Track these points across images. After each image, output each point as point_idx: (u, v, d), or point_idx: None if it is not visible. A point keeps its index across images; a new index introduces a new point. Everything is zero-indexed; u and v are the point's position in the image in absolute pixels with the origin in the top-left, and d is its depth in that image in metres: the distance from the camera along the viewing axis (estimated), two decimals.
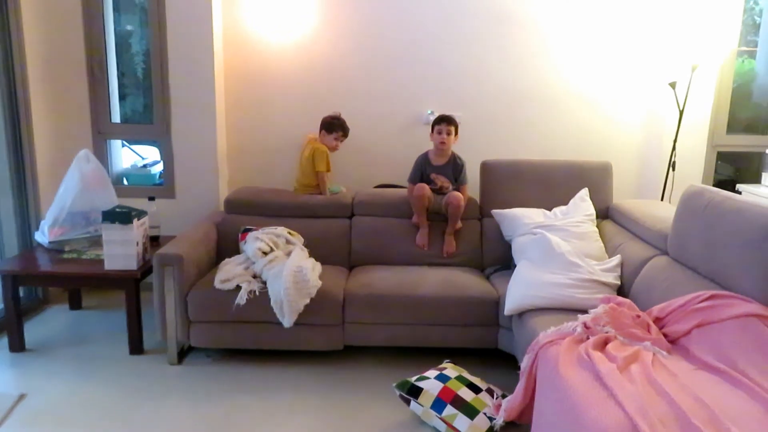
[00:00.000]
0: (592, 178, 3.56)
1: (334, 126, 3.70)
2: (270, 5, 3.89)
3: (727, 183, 4.11)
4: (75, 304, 3.76)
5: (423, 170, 3.53)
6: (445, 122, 3.43)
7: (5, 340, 3.19)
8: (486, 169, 3.63)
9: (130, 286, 3.11)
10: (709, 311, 2.22)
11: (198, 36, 3.74)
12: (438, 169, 3.51)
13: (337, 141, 3.72)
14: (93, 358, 3.12)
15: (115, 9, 4.05)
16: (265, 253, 3.13)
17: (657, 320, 2.39)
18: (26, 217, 3.67)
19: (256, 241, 3.19)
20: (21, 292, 3.22)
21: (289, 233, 3.36)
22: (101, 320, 3.60)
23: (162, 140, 3.95)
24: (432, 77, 4.02)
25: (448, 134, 3.45)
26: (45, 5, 3.69)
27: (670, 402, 1.81)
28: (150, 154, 5.35)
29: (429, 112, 4.02)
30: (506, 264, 3.43)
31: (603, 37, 3.97)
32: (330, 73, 4.01)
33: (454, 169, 3.51)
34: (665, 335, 2.33)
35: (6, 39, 3.46)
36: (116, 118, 4.05)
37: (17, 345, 3.17)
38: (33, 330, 3.41)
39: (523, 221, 3.32)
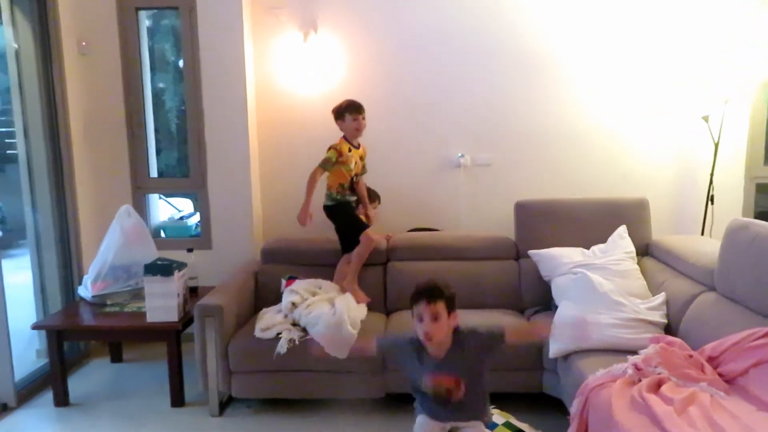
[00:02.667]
0: (629, 214, 3.52)
1: (341, 110, 3.40)
2: (298, 59, 4.00)
3: (767, 215, 4.03)
4: (116, 356, 3.79)
5: (409, 356, 2.22)
6: (425, 297, 2.10)
7: (50, 395, 3.22)
8: (520, 209, 3.62)
9: (172, 337, 3.13)
10: (766, 349, 2.15)
11: (231, 91, 3.86)
12: (439, 364, 2.15)
13: (356, 121, 3.37)
14: (135, 412, 3.12)
15: (150, 68, 4.22)
16: (295, 305, 3.14)
17: (710, 359, 2.32)
18: (69, 271, 3.76)
19: (290, 295, 3.20)
20: (65, 346, 3.26)
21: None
22: (142, 373, 3.62)
23: (198, 192, 4.04)
24: (461, 120, 4.06)
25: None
26: (87, 68, 3.86)
27: None
28: (184, 206, 5.47)
29: (459, 155, 4.05)
30: (546, 305, 3.38)
31: (632, 73, 3.98)
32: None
33: (469, 347, 2.16)
34: (720, 375, 2.26)
35: (51, 100, 3.62)
36: (153, 172, 4.16)
37: (62, 400, 3.19)
38: (77, 383, 3.44)
39: (561, 261, 3.28)
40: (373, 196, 3.89)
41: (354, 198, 3.54)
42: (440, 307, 2.08)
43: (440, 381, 2.13)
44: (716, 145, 3.65)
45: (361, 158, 3.49)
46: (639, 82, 3.99)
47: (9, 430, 2.98)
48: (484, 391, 2.31)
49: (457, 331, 2.16)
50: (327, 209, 3.49)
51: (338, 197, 3.45)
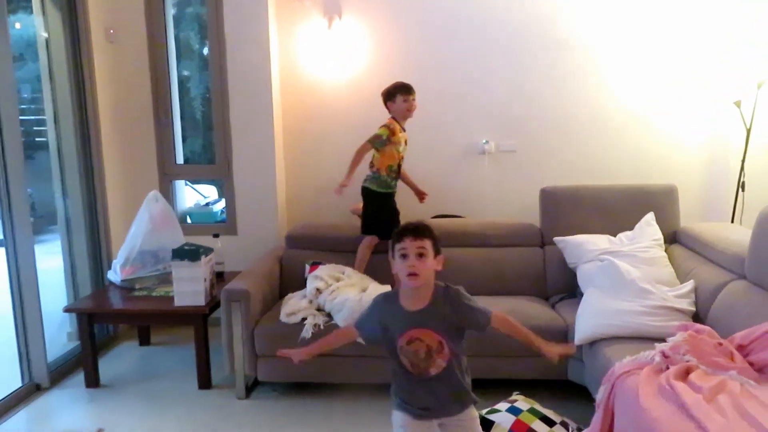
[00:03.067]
0: (657, 201, 3.46)
1: (392, 91, 3.35)
2: (323, 46, 4.00)
3: None
4: (144, 340, 3.87)
5: (382, 320, 1.99)
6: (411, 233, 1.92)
7: (81, 377, 3.30)
8: (546, 196, 3.59)
9: (199, 321, 3.18)
10: None
11: (256, 78, 3.88)
12: (416, 317, 1.92)
13: (407, 102, 3.31)
14: (164, 393, 3.19)
15: (176, 56, 4.26)
16: (320, 291, 3.16)
17: (740, 348, 2.28)
18: (99, 256, 3.84)
19: (314, 281, 3.22)
20: (95, 329, 3.33)
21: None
22: (170, 356, 3.69)
23: (224, 179, 4.08)
24: (486, 106, 4.03)
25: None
26: (115, 56, 3.91)
27: None
28: (209, 192, 5.52)
29: (484, 141, 4.03)
30: (571, 292, 3.36)
31: (661, 57, 3.91)
32: (384, 109, 4.06)
33: (453, 305, 1.96)
34: (750, 364, 2.22)
35: (80, 87, 3.68)
36: (180, 159, 4.21)
37: (93, 381, 3.27)
38: (106, 366, 3.52)
39: (587, 248, 3.25)
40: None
41: (395, 186, 3.47)
42: (427, 243, 1.90)
43: (418, 337, 1.89)
44: (748, 131, 3.57)
45: (406, 143, 3.44)
46: (668, 66, 3.91)
47: (43, 409, 3.07)
48: (467, 367, 2.08)
49: (442, 286, 1.97)
50: (365, 191, 3.43)
51: (384, 183, 3.39)
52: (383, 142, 3.31)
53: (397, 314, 1.94)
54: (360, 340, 2.12)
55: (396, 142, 3.33)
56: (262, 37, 3.83)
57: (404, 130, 3.41)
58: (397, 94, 3.32)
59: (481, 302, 3.12)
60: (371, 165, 3.42)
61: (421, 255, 1.88)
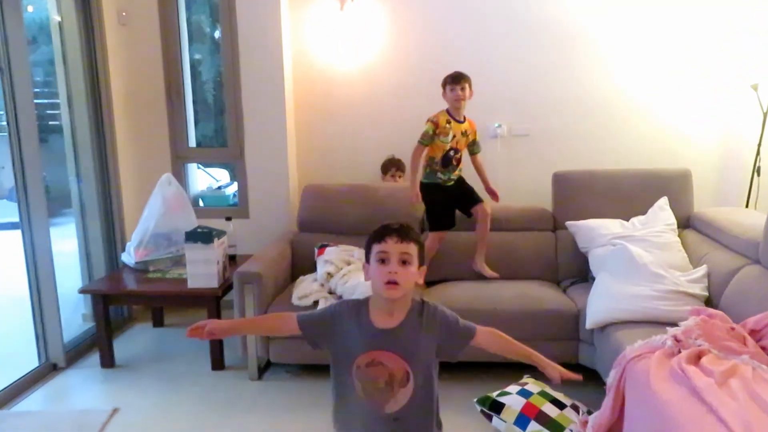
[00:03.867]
0: (671, 186, 3.44)
1: (443, 82, 3.31)
2: (335, 28, 3.98)
3: None
4: (158, 321, 3.91)
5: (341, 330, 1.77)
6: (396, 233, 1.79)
7: (96, 357, 3.35)
8: (558, 180, 3.58)
9: (212, 303, 3.21)
10: None
11: (269, 62, 3.87)
12: (385, 337, 1.73)
13: (453, 92, 3.24)
14: (177, 374, 3.23)
15: (188, 40, 4.25)
16: (331, 275, 3.17)
17: (753, 333, 2.27)
18: (113, 239, 3.88)
19: (325, 265, 3.23)
20: (110, 310, 3.37)
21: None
22: (183, 337, 3.69)
23: (236, 162, 4.09)
24: (498, 90, 3.99)
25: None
26: (127, 39, 3.92)
27: None
28: (221, 175, 5.55)
29: (497, 125, 4.00)
30: (583, 276, 3.35)
31: (677, 39, 3.85)
32: (396, 93, 4.06)
33: (429, 326, 1.79)
34: (763, 348, 2.22)
35: (93, 70, 3.69)
36: (192, 142, 4.23)
37: (108, 361, 3.32)
38: (121, 347, 3.56)
39: (599, 232, 3.24)
40: (399, 165, 3.91)
41: (446, 176, 3.37)
42: (412, 248, 1.60)
43: (381, 361, 1.59)
44: (765, 114, 3.53)
45: (465, 134, 3.33)
46: (684, 48, 3.85)
47: (59, 388, 3.12)
48: (435, 406, 1.76)
49: (419, 302, 1.69)
50: (420, 186, 3.37)
51: (428, 174, 3.36)
52: (430, 137, 3.27)
53: (363, 328, 1.62)
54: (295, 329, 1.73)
55: (442, 133, 3.27)
56: (274, 20, 3.81)
57: (461, 121, 3.32)
58: (446, 85, 3.27)
59: (491, 287, 3.14)
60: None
61: (404, 262, 1.58)
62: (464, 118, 3.36)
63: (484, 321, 2.92)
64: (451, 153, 3.33)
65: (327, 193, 3.70)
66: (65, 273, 3.79)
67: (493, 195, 3.51)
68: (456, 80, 3.23)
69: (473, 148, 3.44)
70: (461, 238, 3.50)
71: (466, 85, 3.24)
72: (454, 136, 3.31)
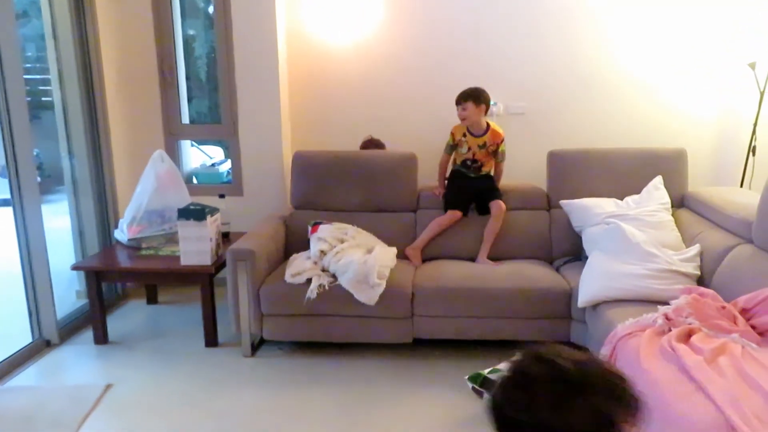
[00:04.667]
0: (666, 165, 3.43)
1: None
2: (331, 6, 3.93)
3: None
4: (152, 298, 3.91)
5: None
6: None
7: (90, 334, 3.36)
8: (553, 158, 3.56)
9: (205, 280, 3.21)
10: None
11: (262, 38, 3.82)
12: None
13: (458, 111, 3.41)
14: (171, 351, 3.24)
15: (181, 15, 4.19)
16: (324, 253, 3.17)
17: (743, 311, 2.29)
18: (106, 216, 3.86)
19: (318, 243, 3.23)
20: (103, 287, 3.37)
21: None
22: (177, 314, 3.74)
23: (230, 140, 4.06)
24: (495, 69, 3.96)
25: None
26: (119, 14, 3.86)
27: (765, 396, 1.73)
28: (215, 153, 5.51)
29: (493, 103, 3.96)
30: (577, 255, 3.35)
31: (672, 19, 3.81)
32: (392, 69, 4.02)
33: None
34: (753, 327, 2.23)
35: (84, 46, 3.64)
36: (185, 119, 4.19)
37: (101, 338, 3.32)
38: (114, 323, 3.57)
39: (594, 211, 3.23)
40: (379, 146, 3.90)
41: (471, 174, 3.52)
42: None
43: None
44: (762, 94, 3.50)
45: (483, 146, 3.44)
46: (681, 27, 3.81)
47: (52, 365, 3.13)
48: None
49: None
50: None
51: (457, 165, 3.58)
52: (450, 147, 3.52)
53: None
54: None
55: (458, 145, 3.49)
56: None
57: (479, 135, 3.44)
58: (465, 101, 3.39)
59: (485, 265, 3.23)
60: None
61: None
62: (486, 130, 3.44)
63: (477, 299, 2.98)
64: (468, 162, 3.51)
65: (318, 163, 3.64)
66: (58, 250, 3.78)
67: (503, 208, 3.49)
68: (456, 101, 3.41)
69: (497, 157, 3.53)
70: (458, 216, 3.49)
71: (468, 104, 3.36)
72: (470, 149, 3.46)
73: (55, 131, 3.77)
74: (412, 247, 3.44)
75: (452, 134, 3.49)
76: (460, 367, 2.96)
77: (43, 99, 5.01)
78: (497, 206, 3.41)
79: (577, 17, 3.86)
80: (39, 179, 4.73)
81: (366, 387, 2.85)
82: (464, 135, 3.46)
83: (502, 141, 3.46)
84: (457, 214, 3.45)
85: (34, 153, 4.94)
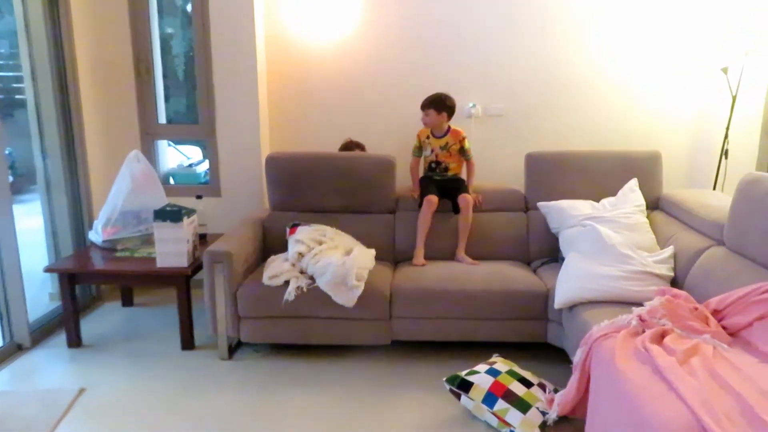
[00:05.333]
0: (641, 168, 3.48)
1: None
2: (310, 5, 3.91)
3: None
4: (127, 301, 3.86)
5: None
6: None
7: (63, 337, 3.30)
8: (531, 160, 3.59)
9: (181, 282, 3.17)
10: None
11: (241, 37, 3.79)
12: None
13: (426, 117, 3.54)
14: (146, 354, 3.20)
15: (158, 13, 4.14)
16: (302, 255, 3.15)
17: (715, 312, 2.33)
18: (80, 216, 3.79)
19: (296, 245, 3.21)
20: (77, 289, 3.31)
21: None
22: (152, 317, 3.69)
23: (207, 140, 4.02)
24: (473, 71, 3.98)
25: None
26: (94, 10, 3.80)
27: (735, 396, 1.76)
28: (193, 153, 5.45)
29: (471, 105, 3.99)
30: (554, 257, 3.39)
31: (649, 22, 3.87)
32: (371, 70, 4.02)
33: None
34: (724, 328, 2.27)
35: (58, 43, 3.57)
36: (162, 119, 4.14)
37: (75, 341, 3.27)
38: (89, 326, 3.52)
39: (570, 213, 3.27)
40: (361, 148, 3.91)
41: (440, 178, 3.61)
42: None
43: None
44: (734, 98, 3.57)
45: (446, 146, 3.54)
46: (656, 31, 3.87)
47: (24, 368, 3.07)
48: None
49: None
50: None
51: (424, 173, 3.70)
52: (418, 149, 3.64)
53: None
54: None
55: (423, 147, 3.62)
56: None
57: (440, 136, 3.56)
58: (428, 108, 3.51)
59: (463, 267, 3.31)
60: None
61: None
62: (446, 132, 3.53)
63: (455, 301, 2.99)
64: (433, 165, 3.62)
65: (293, 164, 3.60)
66: (32, 251, 3.72)
67: (469, 200, 3.49)
68: (422, 106, 3.53)
69: (465, 155, 3.60)
70: (436, 219, 3.49)
71: (431, 111, 3.50)
72: (432, 150, 3.58)
73: (28, 129, 3.70)
74: (415, 257, 3.42)
75: (418, 137, 3.62)
76: (438, 368, 2.97)
77: (16, 97, 4.90)
78: (463, 200, 3.44)
79: (555, 20, 3.89)
80: (11, 178, 4.65)
81: (344, 389, 2.84)
82: (428, 137, 3.58)
83: (464, 138, 3.55)
84: (433, 198, 3.45)
85: (6, 152, 4.85)
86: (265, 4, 3.93)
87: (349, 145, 3.89)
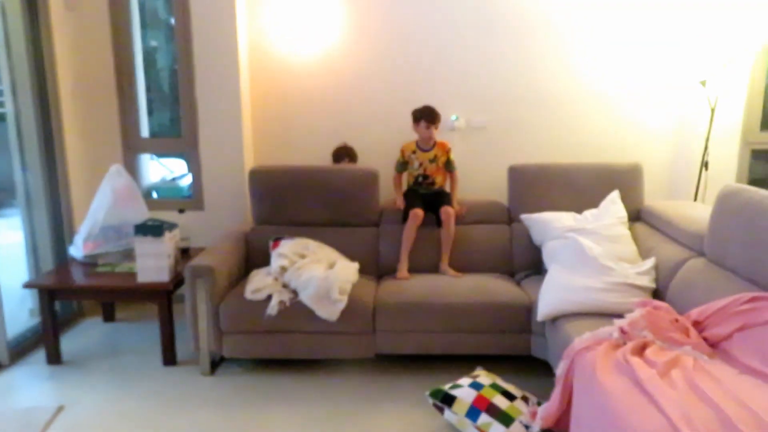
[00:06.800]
0: (622, 180, 3.50)
1: (418, 115, 3.51)
2: (293, 18, 3.92)
3: (761, 182, 4.01)
4: (109, 316, 3.81)
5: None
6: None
7: (43, 354, 3.25)
8: (514, 173, 3.60)
9: (163, 298, 3.14)
10: (751, 314, 2.17)
11: (223, 50, 3.79)
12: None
13: (428, 130, 3.48)
14: (127, 370, 3.16)
15: (142, 26, 4.13)
16: (285, 269, 3.14)
17: (696, 324, 2.34)
18: (60, 231, 3.75)
19: (279, 258, 3.20)
20: (57, 305, 3.27)
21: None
22: (134, 332, 3.65)
23: (190, 153, 4.00)
24: (456, 83, 4.00)
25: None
26: (75, 23, 3.78)
27: (714, 408, 1.76)
28: (177, 167, 5.42)
29: (454, 117, 4.01)
30: (537, 269, 3.39)
31: (629, 36, 3.91)
32: (354, 83, 4.02)
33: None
34: (705, 339, 2.28)
35: (38, 57, 3.55)
36: (145, 132, 4.12)
37: (54, 358, 3.22)
38: (69, 342, 3.47)
39: (553, 225, 3.28)
40: (351, 154, 3.92)
41: (425, 192, 3.60)
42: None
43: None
44: (712, 110, 3.62)
45: (434, 160, 3.55)
46: (635, 44, 3.92)
47: (2, 386, 3.00)
48: None
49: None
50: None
51: (408, 187, 3.69)
52: (401, 164, 3.62)
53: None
54: None
55: (408, 162, 3.60)
56: (230, 6, 3.72)
57: (428, 149, 3.56)
58: (422, 120, 3.48)
59: (447, 279, 3.30)
60: None
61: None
62: (433, 145, 3.55)
63: (438, 313, 2.99)
64: (420, 179, 3.61)
65: (276, 178, 3.59)
66: (10, 266, 3.67)
67: (459, 214, 3.53)
68: (432, 120, 3.47)
69: (448, 166, 3.60)
70: (420, 234, 3.49)
71: (437, 125, 3.50)
72: (421, 164, 3.57)
73: (8, 143, 3.66)
74: (399, 270, 3.39)
75: (402, 152, 3.60)
76: (422, 382, 2.96)
77: None
78: (445, 212, 3.44)
79: (537, 33, 3.93)
80: None
81: (327, 404, 2.82)
82: (414, 152, 3.57)
83: (450, 150, 3.57)
84: (419, 212, 3.43)
85: None
86: (248, 17, 3.93)
87: (340, 152, 3.89)
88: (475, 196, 3.78)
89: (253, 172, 3.58)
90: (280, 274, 3.11)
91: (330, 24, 3.94)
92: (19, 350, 3.32)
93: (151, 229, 3.07)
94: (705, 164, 3.69)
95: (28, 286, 3.26)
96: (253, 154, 4.11)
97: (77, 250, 3.48)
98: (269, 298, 3.00)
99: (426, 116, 3.47)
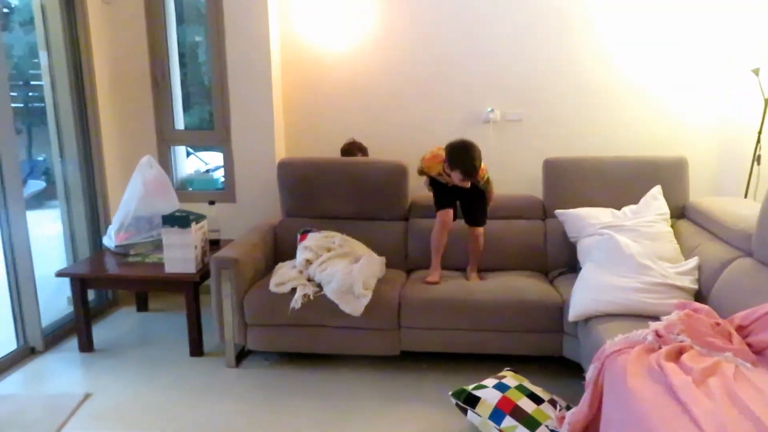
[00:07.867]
0: (665, 174, 3.32)
1: (454, 160, 3.03)
2: (325, 11, 3.87)
3: None
4: (142, 306, 3.87)
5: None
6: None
7: (76, 341, 3.31)
8: (549, 167, 3.46)
9: (189, 289, 3.15)
10: None
11: (255, 44, 3.77)
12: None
13: (463, 181, 3.04)
14: (155, 360, 3.18)
15: (183, 21, 4.16)
16: (310, 262, 3.10)
17: (740, 329, 2.17)
18: (96, 221, 3.82)
19: (304, 251, 3.16)
20: (92, 294, 3.32)
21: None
22: (165, 322, 3.68)
23: (223, 146, 4.01)
24: (491, 75, 3.87)
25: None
26: (111, 17, 3.84)
27: (755, 421, 1.61)
28: (215, 159, 5.47)
29: (489, 110, 3.89)
30: (572, 267, 3.25)
31: (673, 24, 3.70)
32: (387, 76, 3.95)
33: None
34: (749, 345, 2.11)
35: (76, 52, 3.62)
36: (180, 125, 4.15)
37: (86, 345, 3.27)
38: (102, 331, 3.53)
39: (589, 221, 3.13)
40: (363, 149, 3.81)
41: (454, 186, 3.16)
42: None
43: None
44: (766, 101, 3.38)
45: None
46: (682, 31, 3.70)
47: (36, 372, 3.08)
48: None
49: None
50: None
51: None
52: (422, 172, 3.28)
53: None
54: None
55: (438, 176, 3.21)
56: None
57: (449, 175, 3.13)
58: (455, 169, 2.99)
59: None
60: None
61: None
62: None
63: (465, 311, 2.89)
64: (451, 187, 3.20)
65: (305, 170, 3.51)
66: (54, 257, 3.75)
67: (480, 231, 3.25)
68: (470, 176, 3.00)
69: (487, 186, 3.22)
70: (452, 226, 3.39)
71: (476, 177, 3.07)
72: (455, 185, 3.14)
73: (47, 136, 3.74)
74: (429, 275, 3.15)
75: (425, 170, 3.20)
76: (446, 381, 2.88)
77: (38, 105, 4.99)
78: (473, 234, 3.19)
79: (575, 24, 3.76)
80: (44, 184, 4.73)
81: (349, 400, 2.76)
82: (440, 174, 3.17)
83: (486, 173, 3.15)
84: (448, 213, 3.15)
85: (41, 158, 4.92)
86: (279, 10, 3.90)
87: (350, 146, 3.80)
88: (509, 190, 3.65)
89: (282, 164, 3.55)
90: (304, 268, 3.08)
91: (363, 17, 3.87)
92: (55, 337, 3.40)
93: (178, 220, 3.08)
94: (757, 158, 3.46)
95: (60, 274, 3.31)
96: (285, 146, 4.09)
97: (110, 240, 3.53)
98: (294, 291, 2.97)
99: (463, 169, 2.97)
